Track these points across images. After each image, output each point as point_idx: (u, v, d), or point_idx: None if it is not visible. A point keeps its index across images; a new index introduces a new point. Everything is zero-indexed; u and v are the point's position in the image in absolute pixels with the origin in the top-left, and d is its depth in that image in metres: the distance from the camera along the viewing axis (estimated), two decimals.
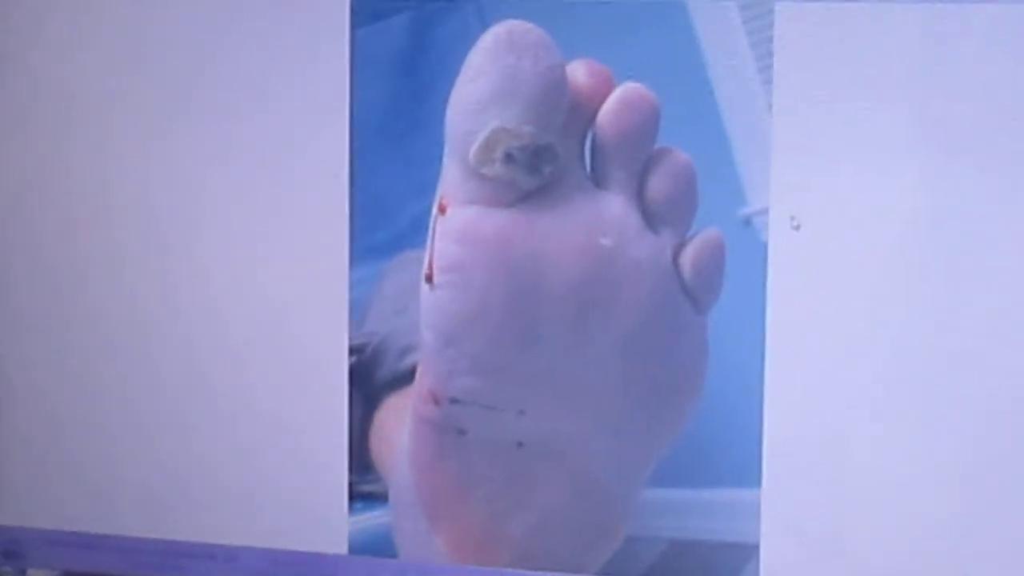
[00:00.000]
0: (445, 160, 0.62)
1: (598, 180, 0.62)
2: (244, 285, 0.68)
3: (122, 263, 0.70)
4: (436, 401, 0.63)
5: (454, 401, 0.62)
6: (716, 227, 0.61)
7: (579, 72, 0.61)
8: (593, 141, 0.62)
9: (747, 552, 0.62)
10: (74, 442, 0.72)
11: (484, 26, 0.61)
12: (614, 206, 0.61)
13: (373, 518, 0.67)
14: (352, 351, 0.66)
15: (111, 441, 0.71)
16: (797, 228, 0.60)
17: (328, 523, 0.67)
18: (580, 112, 0.61)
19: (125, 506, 0.71)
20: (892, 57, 0.58)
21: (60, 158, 0.70)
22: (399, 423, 0.65)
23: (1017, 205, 0.57)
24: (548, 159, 0.61)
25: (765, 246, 0.61)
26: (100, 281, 0.70)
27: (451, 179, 0.62)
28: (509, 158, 0.60)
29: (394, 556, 0.66)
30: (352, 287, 0.66)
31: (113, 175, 0.70)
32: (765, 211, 0.61)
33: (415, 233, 0.63)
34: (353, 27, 0.65)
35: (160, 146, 0.69)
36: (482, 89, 0.60)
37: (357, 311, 0.66)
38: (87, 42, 0.69)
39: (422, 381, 0.63)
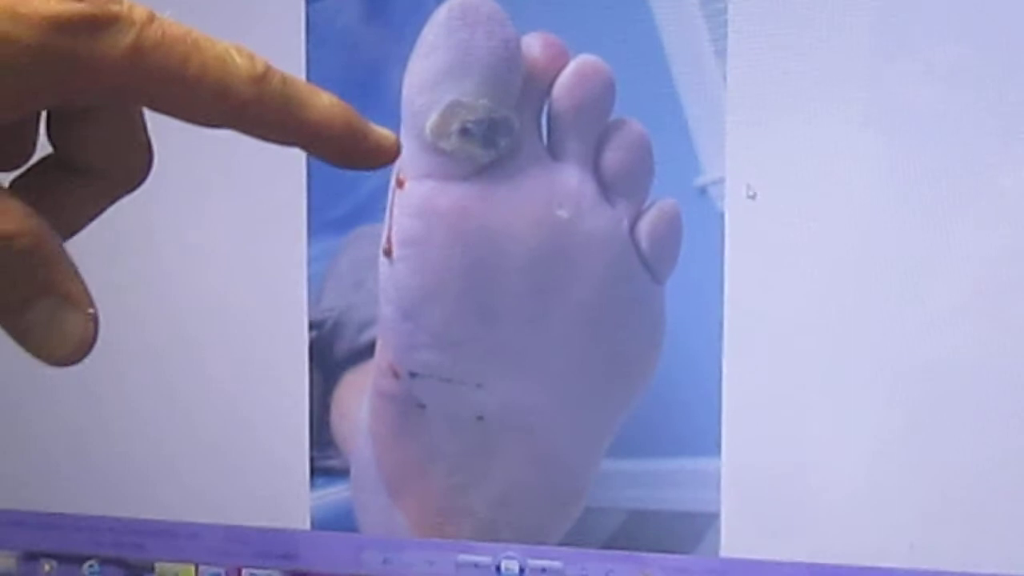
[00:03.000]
0: (402, 134, 0.62)
1: (554, 152, 0.62)
2: (201, 262, 0.68)
3: (74, 242, 0.70)
4: (396, 375, 0.63)
5: (413, 375, 0.62)
6: (672, 197, 0.61)
7: (534, 45, 0.61)
8: (549, 113, 0.62)
9: (707, 520, 0.62)
10: (33, 422, 0.71)
11: (438, 1, 0.61)
12: (570, 178, 0.61)
13: (335, 493, 0.67)
14: (311, 326, 0.66)
15: (69, 421, 0.71)
16: (753, 197, 0.60)
17: (290, 499, 0.67)
18: (535, 85, 0.61)
19: (85, 485, 0.71)
20: (848, 28, 0.59)
21: None
22: (359, 398, 0.65)
23: (975, 179, 0.58)
24: (504, 132, 0.61)
25: (721, 215, 0.61)
26: None
27: (408, 153, 0.61)
28: (465, 131, 0.60)
29: (356, 531, 0.66)
30: (310, 262, 0.66)
31: None
32: (721, 181, 0.61)
33: (372, 208, 0.63)
34: (308, 1, 0.65)
35: None
36: (437, 63, 0.60)
37: (315, 286, 0.66)
38: None
39: (382, 355, 0.63)
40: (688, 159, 0.61)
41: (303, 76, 0.65)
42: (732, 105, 0.60)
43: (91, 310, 0.31)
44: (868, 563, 0.60)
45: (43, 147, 0.34)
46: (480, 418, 0.63)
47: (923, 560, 0.59)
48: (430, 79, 0.61)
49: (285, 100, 0.32)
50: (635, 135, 0.61)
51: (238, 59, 0.31)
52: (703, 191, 0.61)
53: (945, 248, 0.58)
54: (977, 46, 0.57)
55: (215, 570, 0.69)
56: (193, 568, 0.69)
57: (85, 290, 0.31)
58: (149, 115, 0.67)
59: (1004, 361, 0.58)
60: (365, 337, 0.65)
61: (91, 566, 0.71)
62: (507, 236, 0.61)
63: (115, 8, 0.29)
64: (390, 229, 0.62)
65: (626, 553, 0.63)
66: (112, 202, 0.34)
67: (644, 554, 0.63)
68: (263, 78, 0.31)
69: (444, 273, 0.61)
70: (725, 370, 0.61)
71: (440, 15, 0.61)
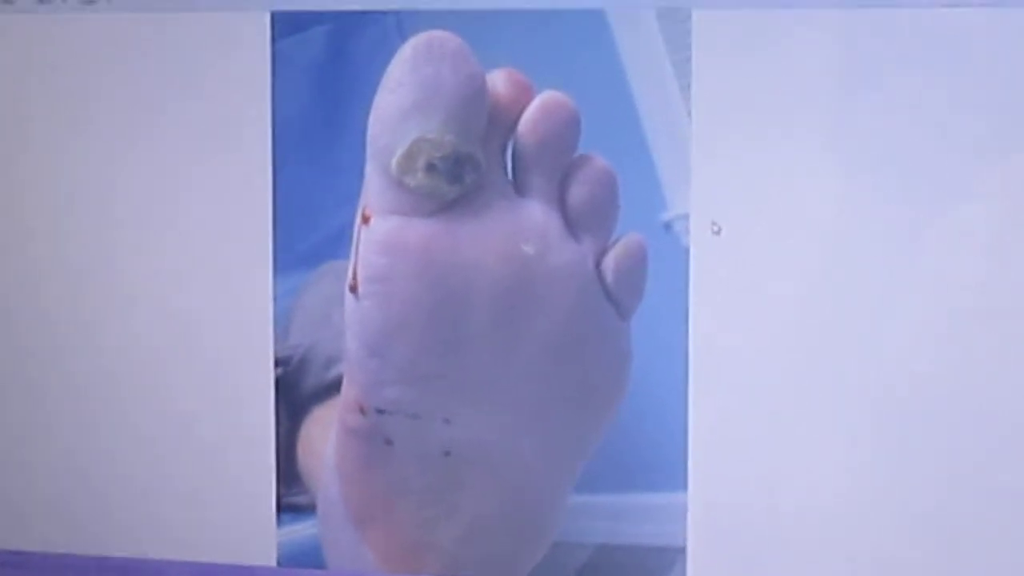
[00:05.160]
0: (367, 170, 0.62)
1: (519, 188, 0.62)
2: (167, 298, 0.68)
3: (38, 273, 0.69)
4: (362, 411, 0.63)
5: (380, 411, 0.62)
6: (637, 233, 0.62)
7: (499, 81, 0.61)
8: (514, 149, 0.62)
9: (673, 555, 0.62)
10: None
11: (403, 37, 0.61)
12: (536, 213, 0.61)
13: (302, 530, 0.67)
14: (277, 363, 0.66)
15: (29, 454, 0.70)
16: (718, 232, 0.61)
17: (256, 535, 0.67)
18: (501, 121, 0.61)
19: (46, 522, 0.70)
20: (810, 64, 0.59)
21: None
22: (326, 434, 0.65)
23: (936, 211, 0.58)
24: (470, 168, 0.61)
25: (686, 251, 0.61)
26: (12, 291, 0.70)
27: (374, 189, 0.62)
28: (431, 168, 0.61)
29: (323, 567, 0.66)
30: (276, 298, 0.66)
31: (26, 178, 0.69)
32: (686, 216, 0.61)
33: (339, 244, 0.63)
34: (274, 39, 0.65)
35: (77, 157, 0.68)
36: (403, 99, 0.60)
37: (281, 323, 0.66)
38: None
39: (348, 391, 0.63)
40: (653, 195, 0.61)
41: (268, 112, 0.65)
42: (697, 141, 0.61)
43: None
44: None
45: None
46: (447, 453, 0.63)
47: None
48: (395, 115, 0.61)
49: None
50: (600, 171, 0.62)
51: None
52: (668, 226, 0.61)
53: (912, 281, 0.59)
54: (942, 77, 0.58)
55: None
56: None
57: None
58: (114, 144, 0.68)
59: (977, 390, 0.58)
60: (332, 373, 0.65)
61: None
62: (473, 272, 0.61)
63: None
64: (356, 265, 0.62)
65: None
66: None
67: None
68: None
69: (410, 309, 0.61)
70: (691, 404, 0.62)
71: (406, 52, 0.61)
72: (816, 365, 0.60)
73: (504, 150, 0.62)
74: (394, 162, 0.61)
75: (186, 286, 0.67)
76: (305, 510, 0.66)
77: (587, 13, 0.61)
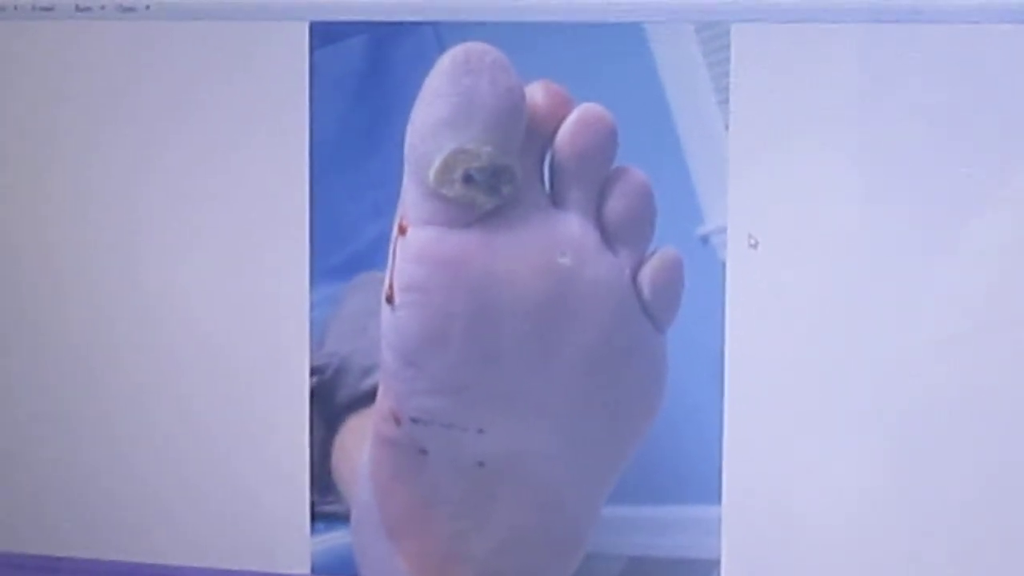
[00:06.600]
0: (405, 181, 0.62)
1: (556, 200, 0.62)
2: (203, 307, 0.68)
3: (72, 282, 0.70)
4: (397, 420, 0.63)
5: (415, 420, 0.62)
6: (674, 246, 0.62)
7: (537, 94, 0.61)
8: (551, 161, 0.62)
9: (707, 568, 0.62)
10: (17, 461, 0.71)
11: (441, 48, 0.61)
12: (572, 225, 0.61)
13: (335, 538, 0.67)
14: (313, 372, 0.67)
15: (62, 463, 0.71)
16: (754, 246, 0.61)
17: (290, 543, 0.68)
18: (538, 133, 0.61)
19: (79, 529, 0.71)
20: (848, 78, 0.59)
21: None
22: (361, 443, 0.65)
23: (974, 225, 0.58)
24: (507, 179, 0.61)
25: (723, 264, 0.61)
26: (46, 301, 0.70)
27: (411, 200, 0.62)
28: (468, 179, 0.60)
29: None
30: (312, 308, 0.66)
31: (64, 185, 0.70)
32: (723, 230, 0.61)
33: (375, 254, 0.64)
34: (312, 49, 0.65)
35: (113, 164, 0.69)
36: (440, 111, 0.60)
37: (317, 332, 0.66)
38: (35, 61, 0.69)
39: (383, 401, 0.63)
40: (690, 208, 0.61)
41: (307, 122, 0.65)
42: (734, 154, 0.61)
43: None
44: None
45: None
46: (481, 464, 0.63)
47: None
48: (433, 126, 0.61)
49: None
50: (637, 183, 0.62)
51: None
52: (705, 240, 0.61)
53: (950, 295, 0.59)
54: (980, 93, 0.58)
55: None
56: None
57: None
58: (150, 152, 0.68)
59: (1018, 407, 0.58)
60: (367, 383, 0.65)
61: None
62: (509, 283, 0.61)
63: None
64: (392, 275, 0.62)
65: None
66: None
67: None
68: None
69: (446, 319, 0.61)
70: (726, 417, 0.62)
71: (444, 63, 0.61)
72: (852, 379, 0.60)
73: (541, 162, 0.62)
74: (431, 173, 0.61)
75: (222, 295, 0.68)
76: (339, 519, 0.67)
77: (626, 26, 0.62)
